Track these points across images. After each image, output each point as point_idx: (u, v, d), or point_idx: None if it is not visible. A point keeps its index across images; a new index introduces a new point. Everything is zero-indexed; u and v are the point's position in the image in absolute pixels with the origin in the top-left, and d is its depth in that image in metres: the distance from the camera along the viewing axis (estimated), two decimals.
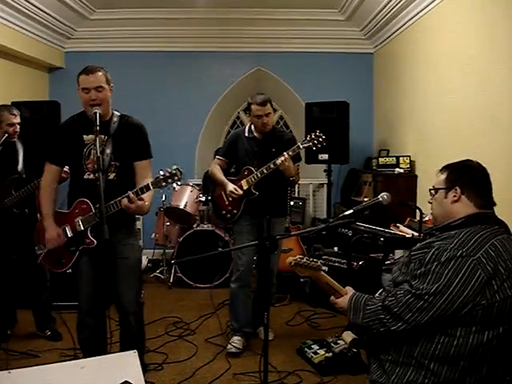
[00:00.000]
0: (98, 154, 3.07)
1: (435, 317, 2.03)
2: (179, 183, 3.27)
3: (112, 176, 3.39)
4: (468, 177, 2.24)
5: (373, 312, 2.19)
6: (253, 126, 4.48)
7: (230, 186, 4.35)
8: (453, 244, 2.06)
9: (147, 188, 3.20)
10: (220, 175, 4.49)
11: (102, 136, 3.33)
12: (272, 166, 4.19)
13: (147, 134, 3.55)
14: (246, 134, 4.49)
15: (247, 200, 4.38)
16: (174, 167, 3.21)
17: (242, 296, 4.44)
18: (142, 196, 3.22)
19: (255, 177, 4.30)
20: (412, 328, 2.07)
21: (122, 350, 3.43)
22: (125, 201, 3.19)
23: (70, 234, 3.38)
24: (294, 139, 4.56)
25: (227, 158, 4.57)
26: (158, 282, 6.51)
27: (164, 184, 3.21)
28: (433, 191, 2.35)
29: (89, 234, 3.35)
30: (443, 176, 2.29)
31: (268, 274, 3.86)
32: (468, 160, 2.32)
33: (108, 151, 3.36)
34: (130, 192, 3.19)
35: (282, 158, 4.11)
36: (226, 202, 4.47)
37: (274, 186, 4.35)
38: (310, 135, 4.27)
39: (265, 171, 4.24)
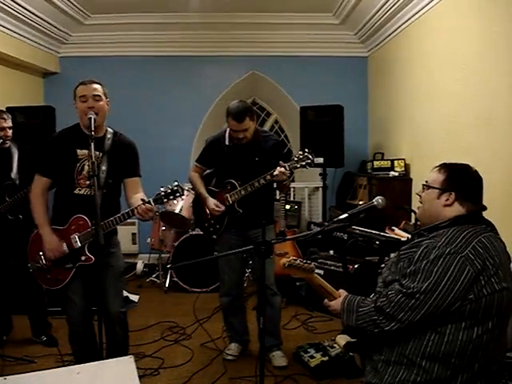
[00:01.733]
0: (93, 160, 3.06)
1: (427, 314, 2.06)
2: (180, 199, 3.24)
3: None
4: (465, 185, 2.26)
5: (366, 314, 2.21)
6: None
7: (211, 203, 4.13)
8: (441, 242, 2.09)
9: (149, 204, 3.19)
10: (199, 187, 4.27)
11: (97, 153, 3.32)
12: (257, 184, 3.96)
13: (138, 153, 3.58)
14: (227, 142, 4.17)
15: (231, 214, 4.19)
16: (175, 184, 3.21)
17: (232, 309, 4.39)
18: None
19: (238, 194, 4.07)
20: (405, 327, 2.10)
21: (109, 356, 3.43)
22: (142, 207, 3.17)
23: (67, 251, 3.35)
24: (279, 143, 4.29)
25: (205, 165, 4.34)
26: (154, 287, 6.52)
27: (165, 200, 3.21)
28: (426, 187, 2.36)
29: (86, 250, 3.33)
30: (441, 176, 2.29)
31: (263, 279, 3.64)
32: (468, 166, 2.33)
33: (104, 168, 3.35)
34: (141, 201, 3.19)
35: (281, 169, 3.82)
36: (209, 216, 4.25)
37: (259, 195, 4.09)
38: (299, 155, 3.91)
39: (249, 189, 4.01)
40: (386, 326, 2.13)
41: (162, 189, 3.22)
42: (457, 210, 2.24)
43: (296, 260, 2.44)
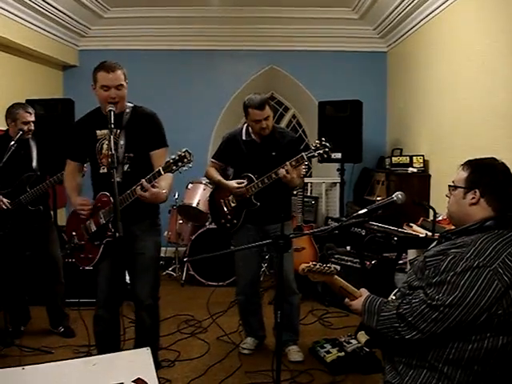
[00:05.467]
0: (112, 152, 3.06)
1: (450, 327, 2.00)
2: (190, 165, 3.19)
3: (126, 168, 3.39)
4: (490, 180, 2.15)
5: (387, 319, 2.15)
6: (250, 128, 4.17)
7: (233, 183, 4.10)
8: (469, 253, 2.00)
9: (158, 173, 3.13)
10: (218, 176, 4.25)
11: (115, 130, 3.31)
12: (274, 175, 3.91)
13: (161, 123, 3.53)
14: (244, 137, 4.17)
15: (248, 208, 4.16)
16: (183, 150, 3.14)
17: (249, 306, 4.39)
18: (160, 184, 3.22)
19: (255, 186, 4.03)
20: (427, 338, 2.05)
21: (136, 344, 3.50)
22: (138, 189, 3.15)
23: (93, 229, 3.40)
24: (296, 139, 4.29)
25: (222, 161, 4.33)
26: (171, 280, 6.55)
27: (175, 168, 3.12)
28: (452, 187, 2.27)
29: (110, 226, 3.34)
30: (465, 174, 2.21)
31: (281, 273, 3.52)
32: (493, 159, 2.23)
33: (122, 142, 3.36)
34: (143, 180, 3.15)
35: (284, 171, 3.82)
36: (226, 210, 4.25)
37: (276, 190, 4.03)
38: (316, 144, 3.88)
39: (266, 181, 3.96)
40: (406, 335, 2.08)
41: (171, 156, 3.16)
42: (484, 209, 2.14)
43: (315, 264, 2.39)
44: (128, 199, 3.24)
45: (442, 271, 2.04)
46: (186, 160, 3.13)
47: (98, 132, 3.40)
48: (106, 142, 3.32)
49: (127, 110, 3.45)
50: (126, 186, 3.21)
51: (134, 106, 3.51)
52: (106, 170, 3.38)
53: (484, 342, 2.00)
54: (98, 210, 3.38)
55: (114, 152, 3.07)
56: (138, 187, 3.16)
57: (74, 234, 3.49)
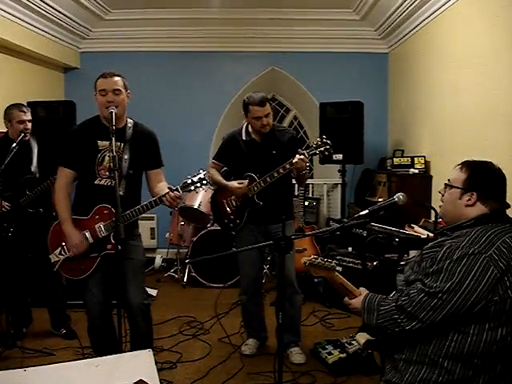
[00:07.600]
0: (114, 154, 3.08)
1: (449, 315, 2.02)
2: (205, 187, 3.26)
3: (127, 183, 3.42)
4: (488, 184, 2.21)
5: (387, 312, 2.17)
6: (250, 127, 4.17)
7: (233, 184, 4.13)
8: (464, 242, 2.05)
9: (178, 191, 3.22)
10: (219, 177, 4.26)
11: (118, 143, 3.34)
12: (276, 174, 3.92)
13: (159, 142, 3.60)
14: (244, 137, 4.17)
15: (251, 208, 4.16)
16: (202, 172, 3.25)
17: (251, 306, 4.37)
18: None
19: (258, 186, 4.03)
20: (427, 326, 2.07)
21: (133, 349, 3.47)
22: (171, 194, 3.21)
23: (90, 240, 3.35)
24: (295, 137, 4.26)
25: (223, 162, 4.33)
26: (172, 282, 6.55)
27: (192, 188, 3.23)
28: (448, 187, 2.31)
29: (111, 239, 3.34)
30: (463, 175, 2.23)
31: (283, 275, 3.50)
32: (491, 163, 2.27)
33: (126, 157, 3.38)
34: (168, 190, 3.23)
35: (299, 158, 3.78)
36: (228, 211, 4.23)
37: (278, 189, 4.07)
38: (317, 142, 3.92)
39: (268, 180, 3.96)
40: (406, 326, 2.10)
41: (188, 177, 3.24)
42: (480, 209, 2.19)
43: (317, 259, 2.41)
44: (151, 206, 3.30)
45: (438, 260, 2.08)
46: (204, 182, 3.24)
47: (100, 143, 3.36)
48: (109, 154, 3.30)
49: (129, 125, 3.47)
50: (126, 200, 3.26)
51: (134, 122, 3.52)
52: (103, 182, 3.37)
53: (483, 334, 2.02)
54: (96, 223, 3.35)
55: (115, 154, 3.09)
56: (170, 193, 3.21)
57: (63, 244, 3.38)
